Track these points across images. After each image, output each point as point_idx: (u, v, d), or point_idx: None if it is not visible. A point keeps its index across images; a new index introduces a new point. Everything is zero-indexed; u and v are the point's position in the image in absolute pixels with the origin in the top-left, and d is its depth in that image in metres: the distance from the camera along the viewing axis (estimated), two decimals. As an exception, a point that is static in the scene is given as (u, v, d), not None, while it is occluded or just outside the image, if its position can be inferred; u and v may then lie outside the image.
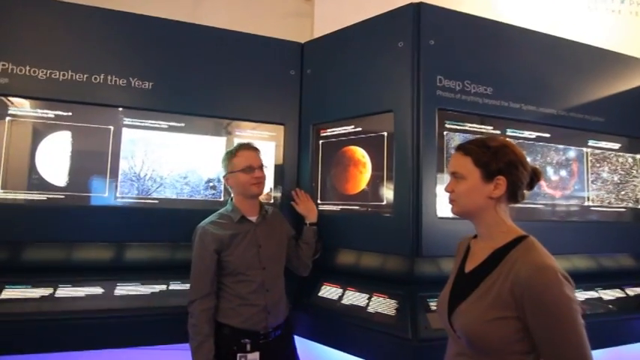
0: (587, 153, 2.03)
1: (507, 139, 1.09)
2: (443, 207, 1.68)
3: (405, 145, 1.64)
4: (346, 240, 1.85)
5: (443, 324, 1.10)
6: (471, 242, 1.15)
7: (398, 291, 1.76)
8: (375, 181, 1.77)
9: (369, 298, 1.81)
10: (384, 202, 1.73)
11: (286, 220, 1.82)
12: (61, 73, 1.75)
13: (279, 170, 2.03)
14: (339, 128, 1.92)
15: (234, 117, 1.99)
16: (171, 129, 1.90)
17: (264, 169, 1.66)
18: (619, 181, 2.11)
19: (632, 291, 2.15)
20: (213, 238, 1.53)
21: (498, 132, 1.81)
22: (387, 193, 1.72)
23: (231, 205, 1.64)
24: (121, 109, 1.82)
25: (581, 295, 2.01)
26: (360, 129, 1.85)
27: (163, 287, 1.84)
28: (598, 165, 2.06)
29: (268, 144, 2.02)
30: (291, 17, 2.72)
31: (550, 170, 1.92)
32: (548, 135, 1.91)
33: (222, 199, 1.95)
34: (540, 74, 1.91)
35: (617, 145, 2.11)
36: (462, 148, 1.08)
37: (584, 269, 2.09)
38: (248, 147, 1.65)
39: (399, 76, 1.68)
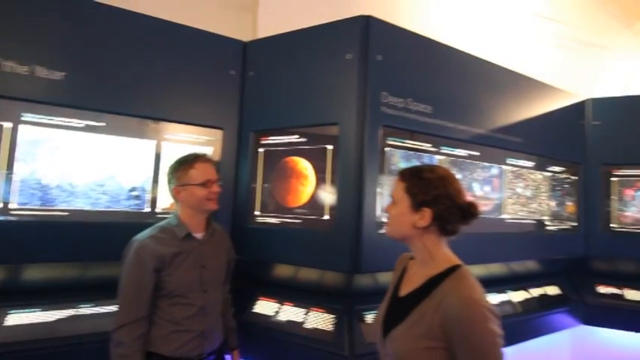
0: (505, 170, 2.23)
1: (447, 171, 1.08)
2: (383, 223, 1.70)
3: (348, 160, 1.62)
4: (285, 255, 1.78)
5: (377, 345, 1.11)
6: (409, 263, 1.17)
7: (336, 305, 1.75)
8: (317, 195, 1.73)
9: (307, 313, 1.78)
10: (326, 217, 1.70)
11: (230, 241, 1.68)
12: None
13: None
14: (282, 137, 1.84)
15: (166, 118, 1.78)
16: (88, 129, 1.63)
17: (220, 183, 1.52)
18: (530, 195, 2.36)
19: (535, 291, 2.45)
20: (154, 255, 1.37)
21: (435, 149, 1.89)
22: (329, 207, 1.69)
23: (176, 219, 1.47)
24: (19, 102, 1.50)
25: (495, 298, 2.22)
26: (304, 140, 1.78)
27: (71, 312, 1.58)
28: (514, 181, 2.28)
29: (205, 149, 1.85)
30: (231, 10, 2.52)
31: (476, 186, 2.07)
32: (478, 153, 2.05)
33: (146, 209, 1.74)
34: (473, 95, 2.04)
35: (530, 163, 2.36)
36: (400, 173, 1.10)
37: (498, 275, 2.32)
38: (206, 159, 1.50)
39: (346, 89, 1.65)
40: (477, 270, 2.20)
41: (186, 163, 1.46)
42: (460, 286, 0.97)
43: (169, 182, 1.48)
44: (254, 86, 1.91)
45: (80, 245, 1.57)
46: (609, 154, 2.60)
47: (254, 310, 1.89)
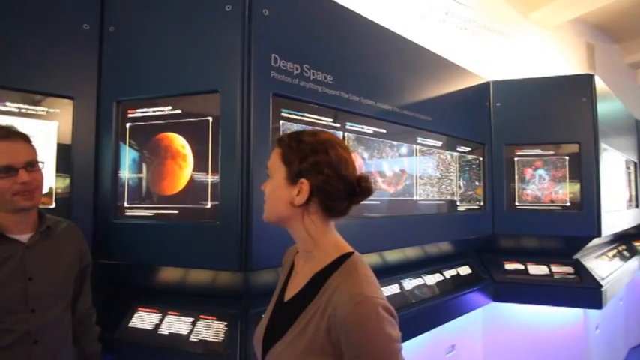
0: (416, 149, 2.14)
1: (333, 137, 0.87)
2: (278, 209, 1.46)
3: (232, 134, 1.34)
4: (162, 254, 1.45)
5: None
6: (296, 257, 0.94)
7: (229, 309, 1.47)
8: (198, 179, 1.42)
9: (194, 323, 1.47)
10: (208, 206, 1.40)
11: (85, 242, 1.30)
12: None
13: (64, 164, 1.46)
14: (153, 109, 1.49)
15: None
16: None
17: (40, 167, 1.13)
18: (440, 176, 2.32)
19: (448, 273, 2.43)
20: None
21: (338, 125, 1.70)
22: (212, 193, 1.40)
23: None
24: None
25: (410, 284, 2.13)
26: (179, 111, 1.46)
27: None
28: (425, 162, 2.20)
29: (46, 124, 1.43)
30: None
31: (385, 166, 1.94)
32: (384, 131, 1.91)
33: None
34: (379, 68, 1.89)
35: (439, 143, 2.31)
36: (278, 139, 0.87)
37: (413, 259, 2.24)
38: (3, 134, 1.08)
39: (227, 49, 1.37)
40: (394, 255, 2.09)
41: None
42: (350, 279, 0.76)
43: None
44: (116, 45, 1.52)
45: None
46: (511, 135, 2.69)
47: (131, 325, 1.53)
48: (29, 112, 1.41)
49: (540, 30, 3.56)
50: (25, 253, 1.11)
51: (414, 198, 2.10)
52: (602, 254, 3.12)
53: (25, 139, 1.12)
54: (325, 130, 1.61)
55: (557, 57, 3.69)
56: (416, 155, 2.13)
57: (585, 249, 2.76)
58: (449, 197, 2.37)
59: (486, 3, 3.23)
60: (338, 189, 0.81)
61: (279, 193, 0.82)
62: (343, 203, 0.83)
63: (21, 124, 1.21)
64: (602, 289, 2.51)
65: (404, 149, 2.05)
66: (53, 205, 1.44)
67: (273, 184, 0.84)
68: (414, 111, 2.06)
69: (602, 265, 2.89)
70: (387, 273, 2.02)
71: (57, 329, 1.17)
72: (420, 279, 2.22)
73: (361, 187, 0.83)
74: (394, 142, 1.97)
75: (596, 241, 2.72)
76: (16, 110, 1.39)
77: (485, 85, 2.71)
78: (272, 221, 0.86)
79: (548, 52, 3.62)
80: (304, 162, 0.80)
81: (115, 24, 1.53)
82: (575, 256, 2.70)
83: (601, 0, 3.25)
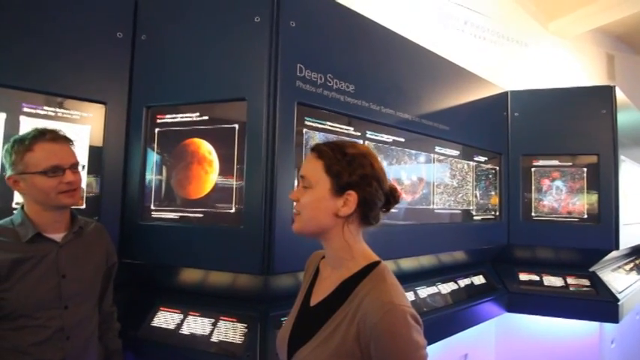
0: (434, 158, 2.16)
1: (369, 149, 0.92)
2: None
3: (258, 141, 1.38)
4: (186, 256, 1.50)
5: None
6: (321, 263, 0.97)
7: (249, 312, 1.51)
8: (223, 184, 1.46)
9: (215, 324, 1.51)
10: (233, 210, 1.44)
11: (111, 242, 1.36)
12: None
13: (94, 166, 1.51)
14: (181, 115, 1.54)
15: (22, 86, 1.38)
16: None
17: (80, 169, 1.19)
18: (457, 185, 2.32)
19: (462, 282, 2.43)
20: None
21: (359, 134, 1.72)
22: (236, 198, 1.44)
23: (21, 216, 1.13)
24: None
25: (424, 292, 2.14)
26: (206, 118, 1.50)
27: None
28: (442, 170, 2.21)
29: (79, 128, 1.49)
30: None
31: (403, 174, 1.96)
32: (402, 139, 1.93)
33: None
34: (399, 78, 1.91)
35: (456, 152, 2.32)
36: (316, 149, 0.89)
37: (428, 267, 2.25)
38: (53, 137, 1.13)
39: (255, 59, 1.41)
40: (409, 263, 2.10)
41: (21, 145, 1.10)
42: (380, 288, 0.80)
43: (4, 168, 1.12)
44: (147, 53, 1.58)
45: None
46: (528, 145, 2.68)
47: (153, 324, 1.57)
48: (64, 115, 1.47)
49: (559, 40, 3.54)
50: (59, 251, 1.16)
51: (431, 206, 2.12)
52: (620, 267, 3.07)
53: (69, 142, 1.18)
54: (348, 139, 1.64)
55: (577, 67, 3.67)
56: (433, 164, 2.14)
57: (602, 262, 2.73)
58: (465, 206, 2.38)
59: (505, 13, 3.23)
60: (380, 200, 0.86)
61: (322, 204, 0.84)
62: (379, 213, 0.87)
63: (56, 128, 1.26)
64: (619, 303, 2.48)
65: (422, 158, 2.06)
66: (84, 206, 1.49)
67: (314, 194, 0.85)
68: (432, 120, 2.08)
69: (620, 279, 2.85)
70: (402, 280, 2.00)
71: (87, 326, 1.22)
72: (434, 287, 2.22)
73: (394, 196, 0.88)
74: (412, 151, 1.99)
75: (613, 254, 2.68)
76: (53, 114, 1.45)
77: (504, 95, 2.71)
78: (308, 232, 0.87)
79: (567, 62, 3.60)
80: (354, 174, 0.83)
81: (147, 33, 1.59)
82: (591, 269, 2.67)
83: (622, 11, 3.23)
